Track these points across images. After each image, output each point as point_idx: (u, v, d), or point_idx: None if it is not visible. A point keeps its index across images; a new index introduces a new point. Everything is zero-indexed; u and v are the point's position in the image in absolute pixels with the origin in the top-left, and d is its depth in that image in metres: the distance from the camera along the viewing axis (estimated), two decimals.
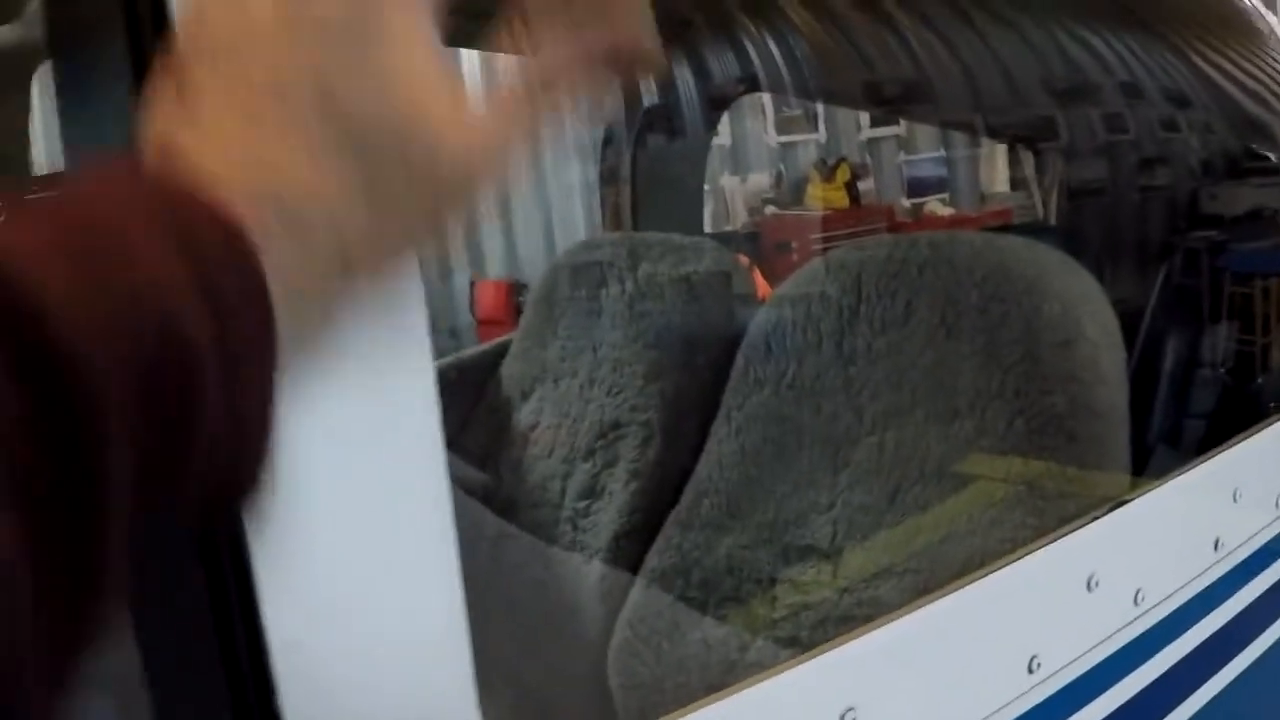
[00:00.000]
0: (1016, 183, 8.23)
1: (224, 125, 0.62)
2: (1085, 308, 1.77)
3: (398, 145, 0.64)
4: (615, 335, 2.38)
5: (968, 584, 1.34)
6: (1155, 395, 2.88)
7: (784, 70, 2.74)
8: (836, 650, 1.19)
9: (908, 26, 2.62)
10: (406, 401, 0.79)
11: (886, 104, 3.36)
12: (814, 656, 1.17)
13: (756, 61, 2.81)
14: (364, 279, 0.66)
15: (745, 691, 1.09)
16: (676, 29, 2.85)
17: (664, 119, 3.06)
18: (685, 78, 2.97)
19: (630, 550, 2.17)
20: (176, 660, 0.77)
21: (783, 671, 1.13)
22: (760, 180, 9.06)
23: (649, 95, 3.00)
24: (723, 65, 2.95)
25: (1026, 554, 1.42)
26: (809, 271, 2.05)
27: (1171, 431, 2.85)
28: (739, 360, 2.07)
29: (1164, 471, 1.72)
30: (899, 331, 1.87)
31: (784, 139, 9.24)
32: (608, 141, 3.17)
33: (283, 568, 0.74)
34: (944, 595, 1.31)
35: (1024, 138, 4.02)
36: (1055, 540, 1.46)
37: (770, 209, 8.90)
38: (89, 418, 0.49)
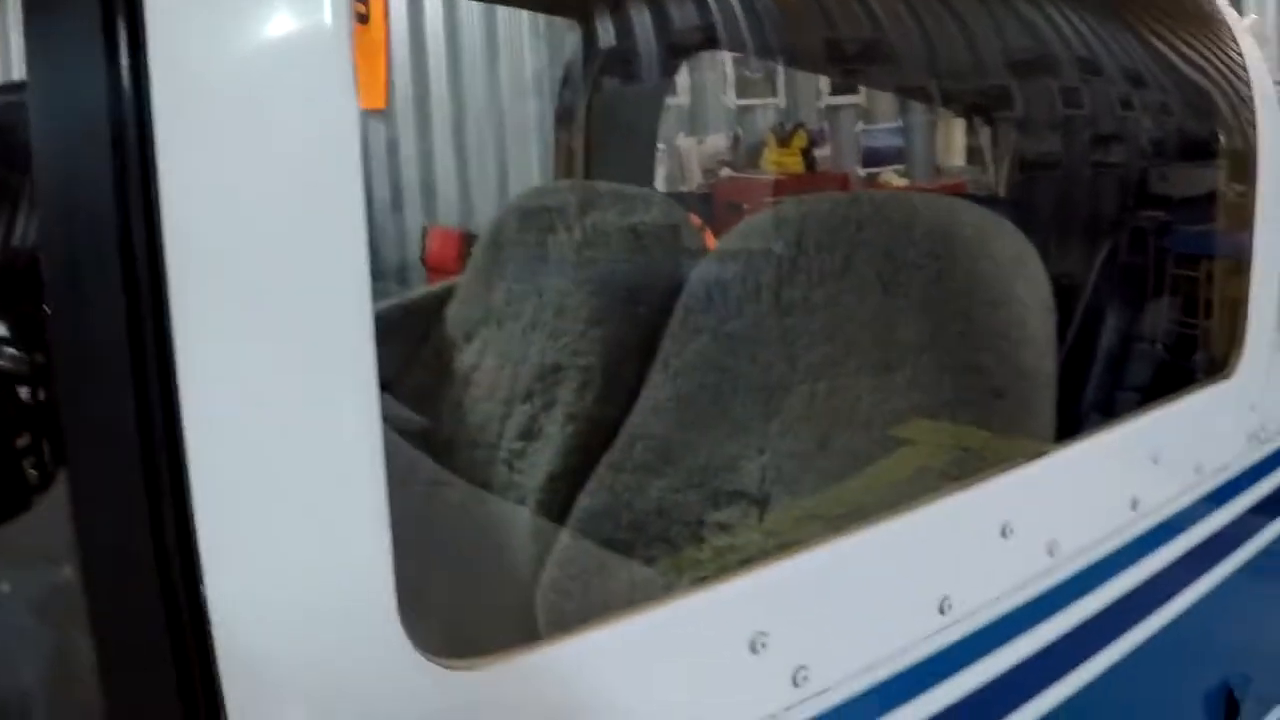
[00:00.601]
0: (973, 157, 8.24)
1: None
2: (1018, 270, 1.80)
3: None
4: (560, 281, 2.41)
5: (883, 519, 1.38)
6: (1091, 367, 2.91)
7: (742, 22, 2.75)
8: (751, 575, 1.22)
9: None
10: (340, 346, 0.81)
11: (845, 64, 3.37)
12: (727, 580, 1.20)
13: (716, 12, 2.83)
14: None
15: (658, 609, 1.12)
16: None
17: (621, 64, 3.07)
18: (644, 23, 2.99)
19: (563, 492, 2.20)
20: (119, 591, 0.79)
21: (696, 592, 1.17)
22: (717, 142, 9.06)
23: (607, 38, 3.02)
24: (682, 13, 2.97)
25: (943, 496, 1.46)
26: (751, 223, 2.08)
27: (1106, 404, 2.88)
28: (678, 308, 2.09)
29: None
30: (836, 284, 1.90)
31: (743, 102, 9.25)
32: (565, 84, 3.18)
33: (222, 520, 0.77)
34: (859, 529, 1.34)
35: (979, 108, 4.05)
36: (972, 485, 1.50)
37: (725, 171, 8.91)
38: None
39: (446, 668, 0.91)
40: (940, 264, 1.81)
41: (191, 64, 0.75)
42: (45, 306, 0.75)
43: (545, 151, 7.92)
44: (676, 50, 3.17)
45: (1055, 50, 2.87)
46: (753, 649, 1.17)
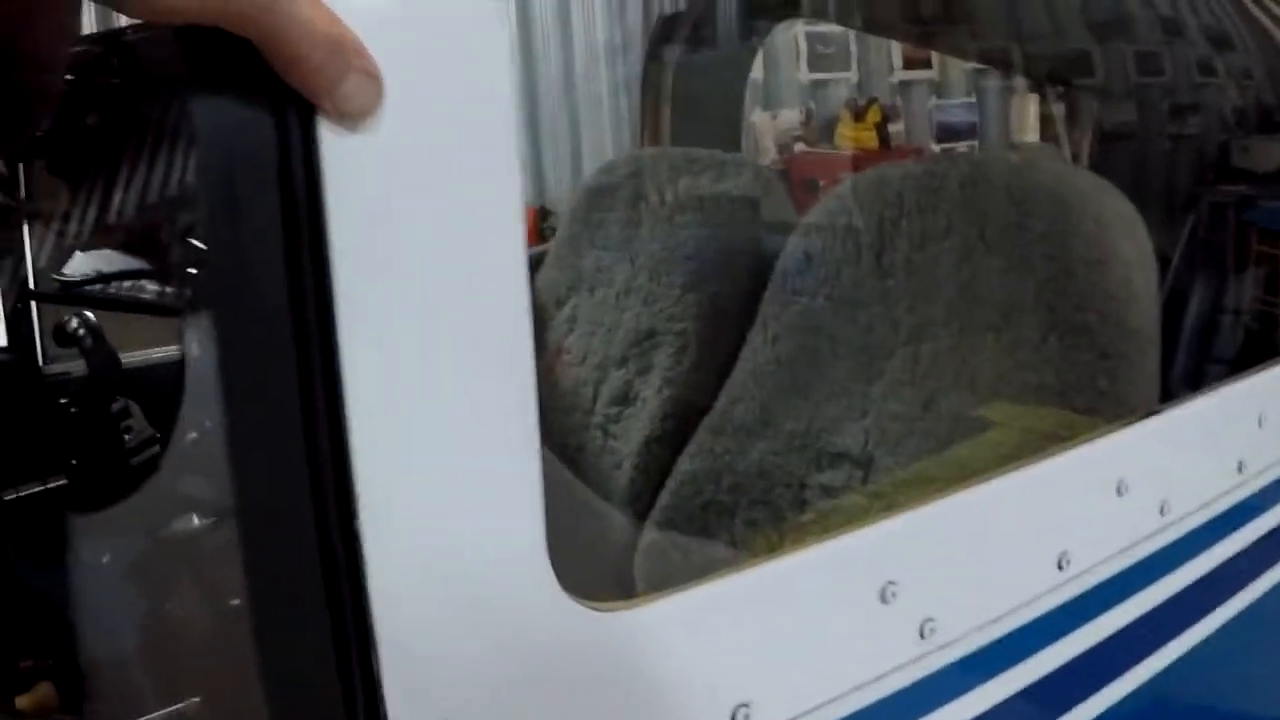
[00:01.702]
0: (1046, 132, 8.21)
1: None
2: (1121, 228, 1.79)
3: None
4: (653, 246, 2.41)
5: (1003, 474, 1.37)
6: (1178, 341, 2.89)
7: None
8: (881, 526, 1.22)
9: None
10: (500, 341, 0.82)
11: (924, 25, 3.36)
12: (859, 529, 1.20)
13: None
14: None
15: (793, 556, 1.12)
16: None
17: (708, 29, 3.07)
18: (726, 18, 2.99)
19: (661, 456, 2.21)
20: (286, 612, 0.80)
21: (830, 540, 1.17)
22: (791, 117, 9.03)
23: (694, 4, 3.02)
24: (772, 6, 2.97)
25: (1060, 453, 1.45)
26: (850, 186, 2.07)
27: (1195, 376, 2.87)
28: (777, 271, 2.09)
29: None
30: (936, 246, 1.89)
31: (816, 76, 9.22)
32: (650, 51, 3.18)
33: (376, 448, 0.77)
34: (979, 484, 1.34)
35: (1058, 75, 4.02)
36: (1087, 442, 1.49)
37: (800, 146, 8.89)
38: None
39: (596, 610, 0.91)
40: (1044, 224, 1.79)
41: None
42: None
43: (619, 124, 7.92)
44: (761, 16, 3.16)
45: (1134, 11, 2.85)
46: (883, 599, 1.17)
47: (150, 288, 1.57)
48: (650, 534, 2.03)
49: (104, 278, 1.55)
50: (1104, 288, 1.75)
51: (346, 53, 0.72)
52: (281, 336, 0.76)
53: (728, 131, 3.26)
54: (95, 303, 1.52)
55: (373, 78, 0.73)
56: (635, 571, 2.03)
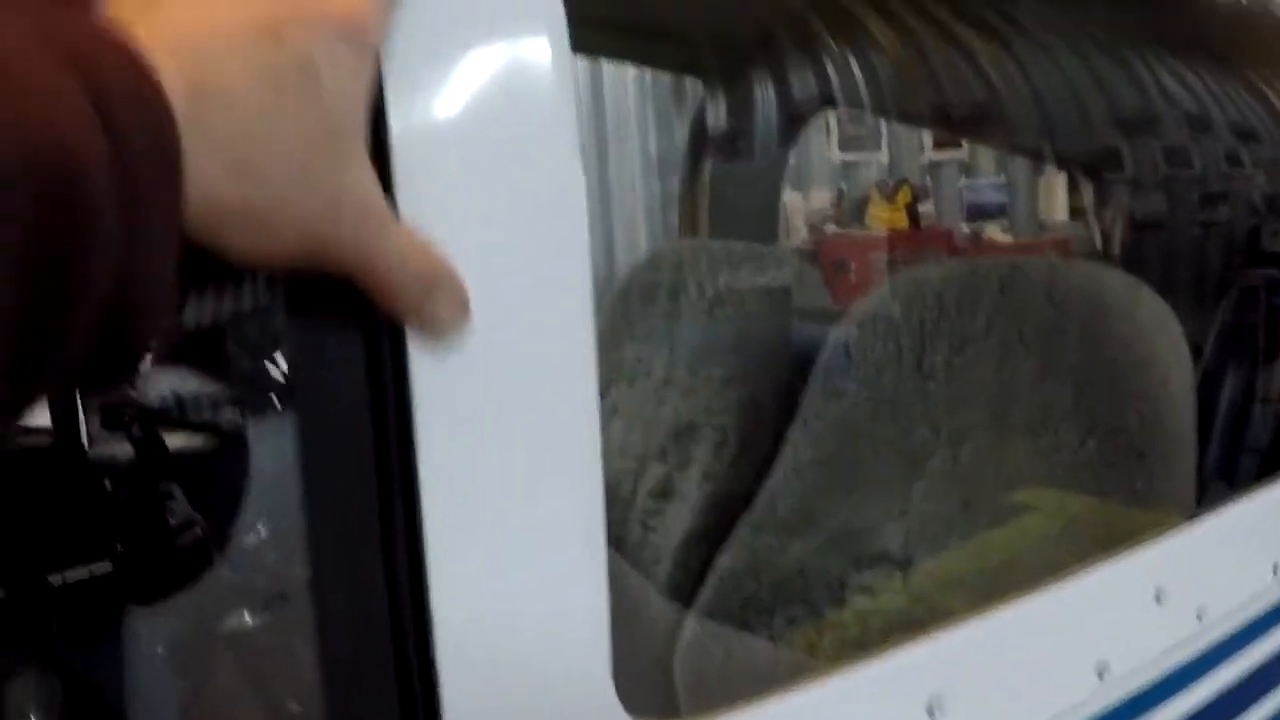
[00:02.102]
0: (1075, 212, 8.22)
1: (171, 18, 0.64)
2: (1157, 330, 1.82)
3: (334, 149, 0.69)
4: (693, 339, 2.43)
5: (1044, 589, 1.39)
6: (1211, 429, 2.90)
7: (862, 87, 2.78)
8: (925, 641, 1.24)
9: (982, 51, 2.66)
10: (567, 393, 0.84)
11: (957, 124, 3.39)
12: (904, 645, 1.22)
13: (834, 78, 2.85)
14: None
15: (842, 673, 1.14)
16: (759, 42, 2.90)
17: (746, 123, 3.10)
18: (766, 94, 3.02)
19: (700, 551, 2.22)
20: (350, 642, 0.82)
21: (878, 656, 1.19)
22: (822, 197, 9.07)
23: (733, 99, 3.05)
24: (802, 81, 3.00)
25: (1100, 563, 1.47)
26: (890, 286, 2.10)
27: (1226, 466, 2.87)
28: (817, 369, 2.11)
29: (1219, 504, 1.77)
30: (976, 348, 1.91)
31: (847, 157, 9.26)
32: (690, 142, 3.21)
33: (450, 553, 0.80)
34: (1021, 598, 1.36)
35: (1089, 167, 4.05)
36: (1127, 552, 1.51)
37: (830, 226, 8.92)
38: None
39: None
40: (1082, 326, 1.82)
41: None
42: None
43: (651, 209, 7.96)
44: (799, 110, 3.19)
45: (1163, 108, 2.88)
46: (930, 713, 1.19)
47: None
48: (690, 629, 2.04)
49: (177, 400, 1.59)
50: (1142, 389, 1.77)
51: (438, 281, 0.75)
52: (362, 441, 0.79)
53: (764, 223, 3.29)
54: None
55: (461, 303, 0.76)
56: (675, 666, 2.05)
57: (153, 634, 1.71)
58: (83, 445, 1.94)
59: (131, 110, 0.57)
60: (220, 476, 1.71)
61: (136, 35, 0.60)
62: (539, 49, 0.81)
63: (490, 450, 0.81)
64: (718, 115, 3.10)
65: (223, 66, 0.64)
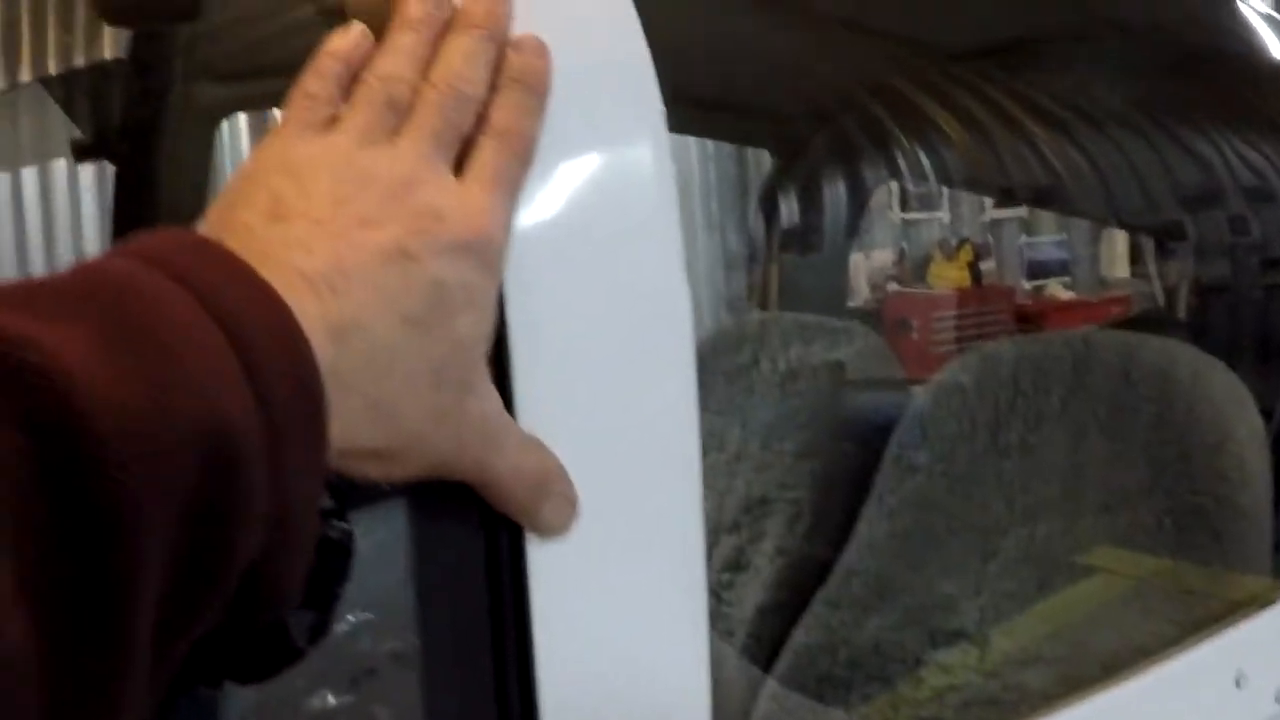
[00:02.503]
0: (1136, 270, 8.21)
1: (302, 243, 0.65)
2: (1236, 410, 1.82)
3: (462, 370, 0.70)
4: (766, 413, 2.45)
5: (1123, 678, 1.40)
6: None
7: (927, 167, 2.79)
8: None
9: (1043, 137, 2.68)
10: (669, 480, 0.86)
11: (1021, 199, 3.40)
12: None
13: (900, 158, 2.86)
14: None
15: None
16: (825, 120, 2.92)
17: (815, 194, 3.12)
18: (837, 154, 3.04)
19: (774, 625, 2.23)
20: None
21: None
22: (884, 256, 9.08)
23: (801, 168, 3.07)
24: (869, 159, 3.02)
25: (1181, 648, 1.47)
26: (963, 362, 2.11)
27: None
28: (892, 445, 2.12)
29: None
30: (1052, 426, 1.92)
31: (908, 217, 9.27)
32: (759, 212, 3.24)
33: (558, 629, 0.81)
34: (1103, 689, 1.37)
35: (1153, 236, 4.05)
36: (1208, 636, 1.52)
37: (893, 286, 8.93)
38: (117, 524, 0.48)
39: None
40: (1159, 406, 1.82)
41: None
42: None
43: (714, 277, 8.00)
44: (865, 185, 3.21)
45: (1225, 181, 2.88)
46: None
47: None
48: (766, 705, 2.05)
49: None
50: (1219, 470, 1.77)
51: (549, 488, 0.76)
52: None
53: (833, 292, 3.30)
54: None
55: (570, 502, 0.77)
56: None
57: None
58: None
59: (278, 363, 0.58)
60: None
61: (274, 272, 0.61)
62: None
63: (597, 546, 0.83)
64: (787, 187, 3.12)
65: (357, 301, 0.65)
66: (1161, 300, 4.93)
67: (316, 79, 0.72)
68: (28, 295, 0.53)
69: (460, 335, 0.69)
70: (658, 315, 0.84)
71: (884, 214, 9.04)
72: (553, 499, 0.76)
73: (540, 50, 0.77)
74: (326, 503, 0.66)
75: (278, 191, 0.68)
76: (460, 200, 0.71)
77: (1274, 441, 2.89)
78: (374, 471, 0.69)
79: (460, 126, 0.73)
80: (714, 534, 2.43)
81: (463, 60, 0.73)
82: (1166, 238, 3.60)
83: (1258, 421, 1.83)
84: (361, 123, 0.71)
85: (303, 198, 0.67)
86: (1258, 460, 1.81)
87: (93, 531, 0.47)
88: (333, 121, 0.71)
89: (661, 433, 0.84)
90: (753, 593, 2.30)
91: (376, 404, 0.66)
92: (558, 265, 0.80)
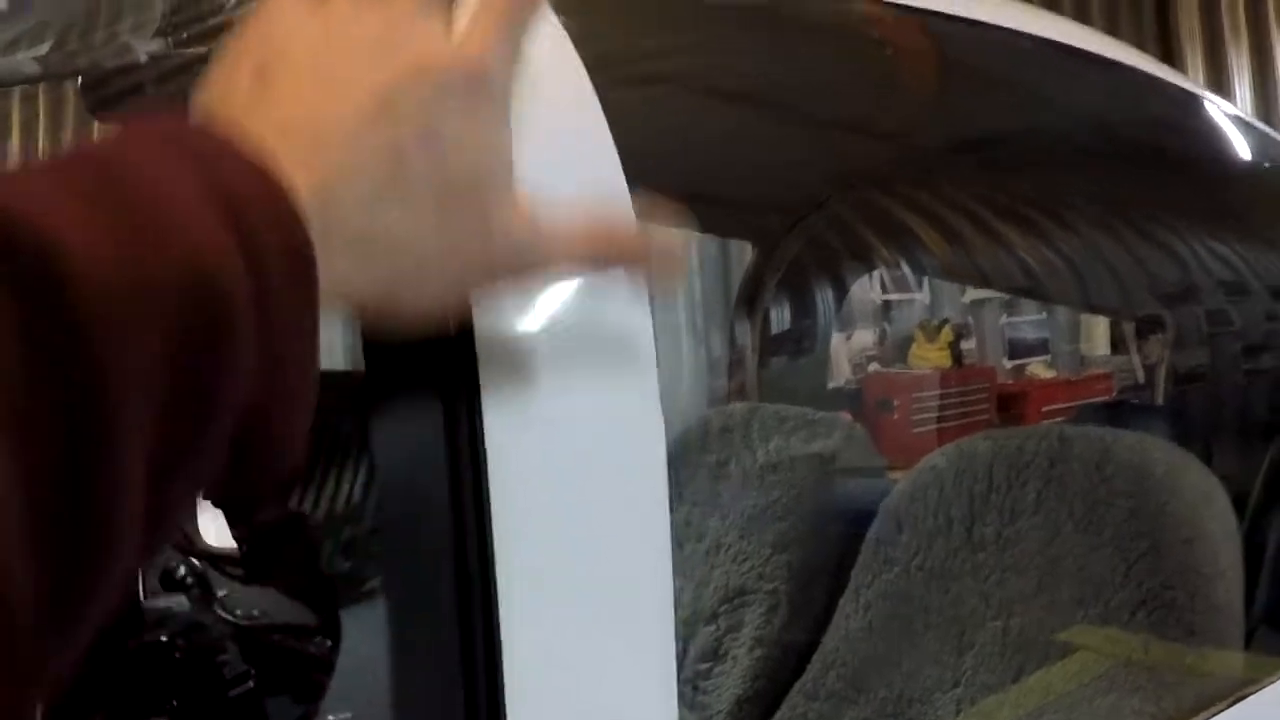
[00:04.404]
0: (1116, 345, 8.24)
1: (292, 119, 0.67)
2: (1208, 506, 1.84)
3: (472, 204, 0.71)
4: (744, 504, 2.46)
5: None
6: (1259, 577, 2.90)
7: (906, 269, 2.82)
8: None
9: (1020, 242, 2.71)
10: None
11: (1001, 290, 3.43)
12: None
13: (880, 253, 2.89)
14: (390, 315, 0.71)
15: None
16: (806, 214, 2.96)
17: (796, 283, 3.15)
18: (817, 246, 3.07)
19: (752, 714, 2.24)
20: None
21: None
22: (865, 337, 9.10)
23: (782, 260, 3.10)
24: (849, 254, 3.06)
25: None
26: (939, 456, 2.13)
27: (1274, 611, 2.87)
28: (869, 538, 2.14)
29: (1266, 651, 1.78)
30: (1027, 520, 1.94)
31: (888, 298, 9.30)
32: (740, 303, 3.27)
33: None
34: None
35: (1132, 331, 4.10)
36: None
37: (873, 367, 8.95)
38: (103, 384, 0.50)
39: None
40: (1133, 501, 1.84)
41: None
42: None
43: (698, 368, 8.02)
44: (845, 276, 3.25)
45: (1203, 278, 2.91)
46: None
47: None
48: None
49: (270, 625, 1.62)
50: (1192, 565, 1.79)
51: (614, 240, 0.79)
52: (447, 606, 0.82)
53: (817, 383, 3.33)
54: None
55: (647, 238, 0.81)
56: None
57: None
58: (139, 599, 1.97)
59: (269, 235, 0.59)
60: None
61: (257, 137, 0.63)
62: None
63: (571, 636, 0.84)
64: (766, 279, 3.15)
65: (343, 161, 0.66)
66: (1142, 378, 4.98)
67: None
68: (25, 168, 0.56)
69: (461, 165, 0.70)
70: (632, 435, 0.86)
71: (864, 296, 9.07)
72: (624, 249, 0.79)
73: None
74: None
75: (263, 60, 0.70)
76: (451, 45, 0.72)
77: (1249, 525, 2.92)
78: (394, 313, 0.71)
79: None
80: (692, 625, 2.44)
81: None
82: (1145, 331, 3.65)
83: (1230, 518, 1.86)
84: None
85: (286, 63, 0.69)
86: (1230, 555, 1.83)
87: (73, 378, 0.49)
88: None
89: (634, 529, 0.86)
90: (731, 683, 2.31)
91: (369, 254, 0.67)
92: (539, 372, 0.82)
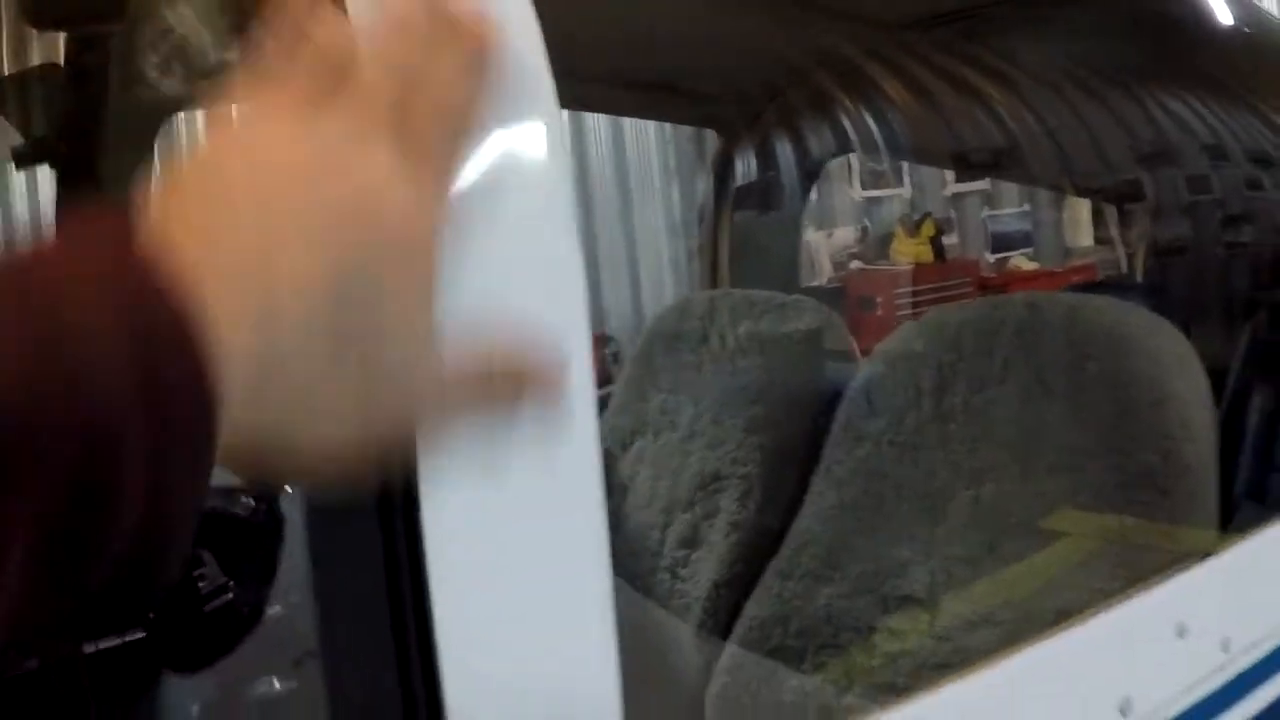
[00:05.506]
0: (1100, 237, 8.23)
1: (224, 236, 0.64)
2: (1177, 367, 1.83)
3: (389, 364, 0.68)
4: (716, 389, 2.45)
5: (1065, 629, 1.40)
6: (1241, 450, 2.89)
7: (878, 137, 2.80)
8: (935, 694, 1.25)
9: (998, 100, 2.68)
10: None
11: (976, 169, 3.41)
12: (919, 693, 1.23)
13: (849, 129, 2.87)
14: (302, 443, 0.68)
15: None
16: (772, 96, 2.93)
17: (763, 171, 3.13)
18: (784, 150, 3.05)
19: (729, 599, 2.24)
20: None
21: (894, 708, 1.20)
22: (846, 235, 9.09)
23: (748, 147, 3.08)
24: (817, 133, 3.03)
25: (1121, 601, 1.48)
26: (908, 330, 2.12)
27: (1256, 486, 2.87)
28: (839, 416, 2.13)
29: (1249, 525, 1.77)
30: (995, 389, 1.93)
31: (869, 194, 9.29)
32: (708, 192, 3.24)
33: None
34: (1042, 639, 1.37)
35: (1111, 198, 4.06)
36: (1148, 589, 1.52)
37: (855, 264, 8.94)
38: None
39: None
40: (1100, 365, 1.83)
41: None
42: None
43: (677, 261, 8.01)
44: (815, 160, 3.22)
45: (1180, 140, 2.89)
46: None
47: None
48: (721, 678, 2.06)
49: None
50: (1163, 427, 1.78)
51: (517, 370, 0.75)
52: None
53: (786, 267, 3.31)
54: None
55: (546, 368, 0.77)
56: (707, 712, 2.06)
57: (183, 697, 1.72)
58: None
59: (179, 402, 0.58)
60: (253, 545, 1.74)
61: (192, 270, 0.60)
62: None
63: (499, 528, 0.82)
64: (735, 167, 3.12)
65: (283, 345, 0.64)
66: (1125, 266, 4.95)
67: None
68: None
69: (389, 322, 0.68)
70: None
71: (844, 193, 9.06)
72: (527, 381, 0.76)
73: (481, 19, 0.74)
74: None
75: (220, 184, 0.67)
76: (392, 189, 0.69)
77: (1231, 399, 2.91)
78: (280, 454, 0.68)
79: (394, 93, 0.70)
80: (668, 513, 2.44)
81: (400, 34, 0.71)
82: (1124, 199, 3.61)
83: (1201, 378, 1.84)
84: (294, 98, 0.69)
85: (241, 193, 0.66)
86: (1201, 417, 1.82)
87: None
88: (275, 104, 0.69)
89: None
90: (708, 568, 2.30)
91: (280, 404, 0.65)
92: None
